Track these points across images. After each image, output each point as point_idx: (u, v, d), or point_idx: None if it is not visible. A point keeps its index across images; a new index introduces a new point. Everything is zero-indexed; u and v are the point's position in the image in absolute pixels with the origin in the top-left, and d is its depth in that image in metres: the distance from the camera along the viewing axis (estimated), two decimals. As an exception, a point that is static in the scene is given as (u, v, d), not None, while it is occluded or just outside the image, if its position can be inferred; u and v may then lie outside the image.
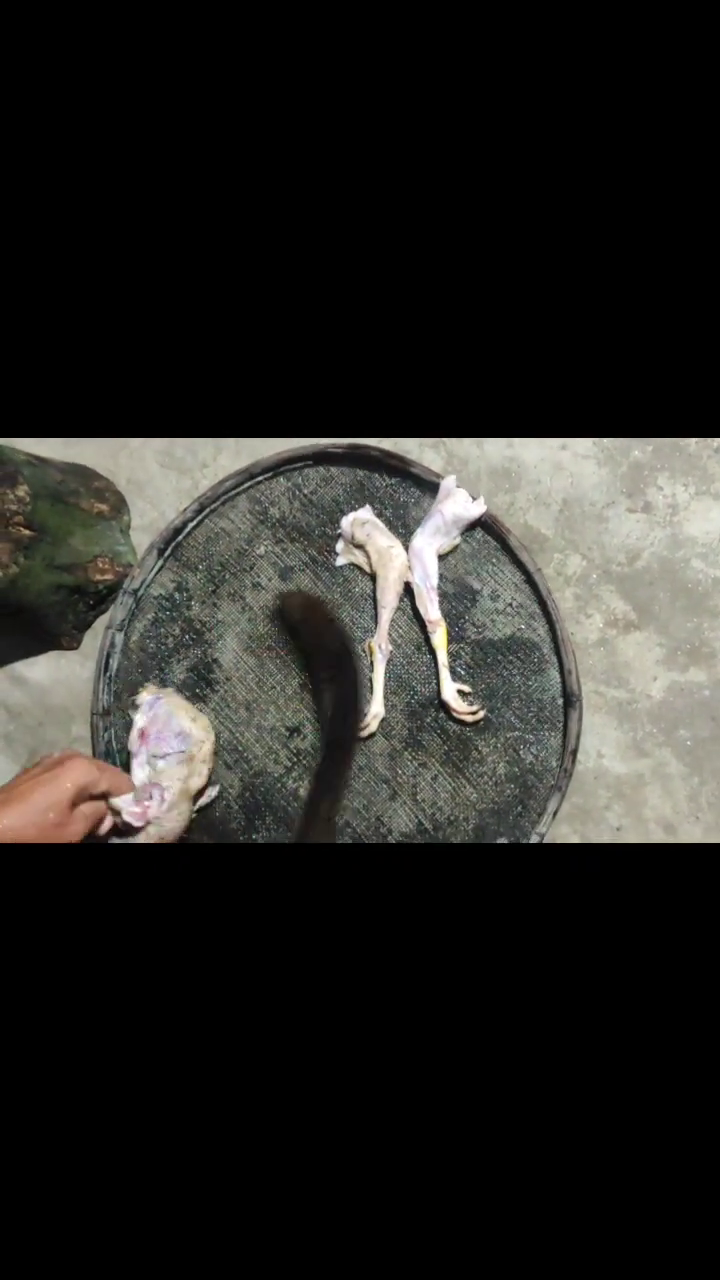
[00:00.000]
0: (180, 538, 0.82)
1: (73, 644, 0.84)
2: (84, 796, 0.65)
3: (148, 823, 0.71)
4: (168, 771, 0.73)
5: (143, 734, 0.75)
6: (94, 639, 0.84)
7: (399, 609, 0.80)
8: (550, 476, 0.82)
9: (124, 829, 0.71)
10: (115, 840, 0.71)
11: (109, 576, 0.80)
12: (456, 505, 0.77)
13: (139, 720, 0.75)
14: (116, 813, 0.70)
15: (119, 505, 0.83)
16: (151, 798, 0.72)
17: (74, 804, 0.64)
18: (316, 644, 0.78)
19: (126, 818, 0.69)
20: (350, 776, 0.76)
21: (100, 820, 0.68)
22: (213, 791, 0.78)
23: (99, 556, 0.79)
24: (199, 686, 0.81)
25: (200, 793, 0.76)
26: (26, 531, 0.71)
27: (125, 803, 0.70)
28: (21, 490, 0.70)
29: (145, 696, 0.77)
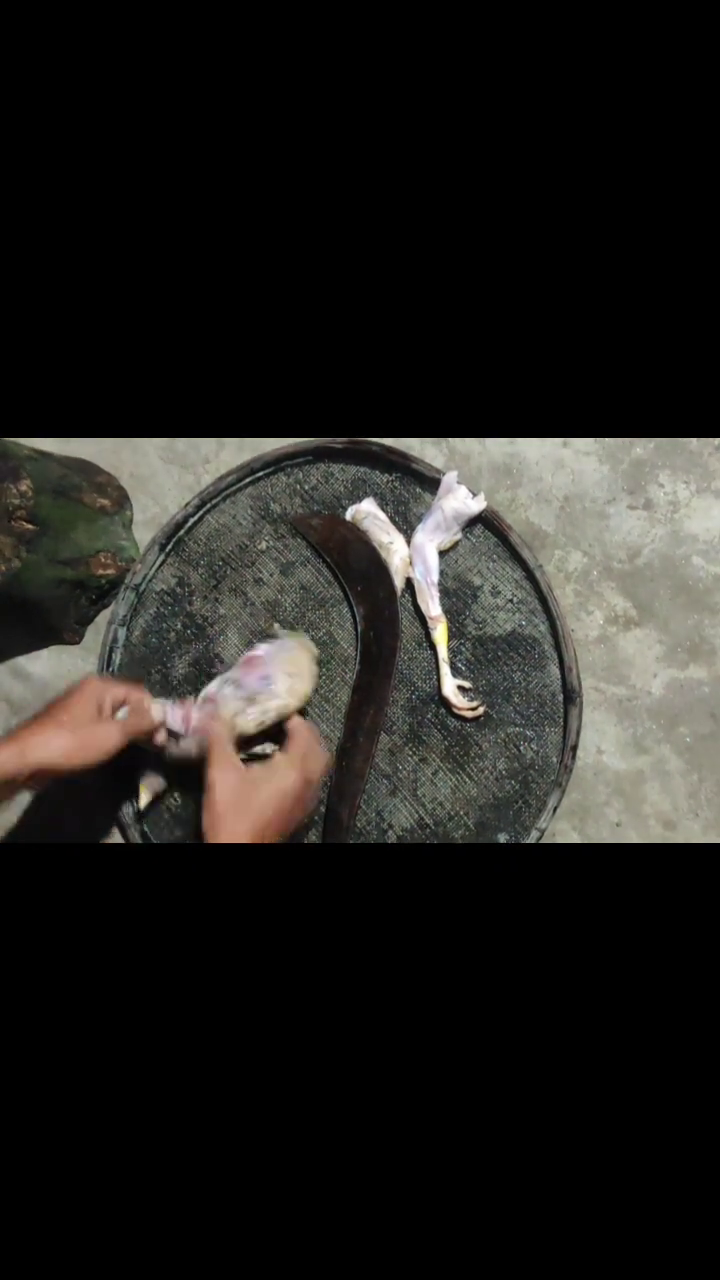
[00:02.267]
0: (182, 533, 0.82)
1: (75, 638, 0.84)
2: (108, 704, 0.67)
3: (187, 732, 0.71)
4: (228, 697, 0.73)
5: (249, 660, 0.75)
6: (96, 634, 0.85)
7: (400, 604, 0.80)
8: (552, 473, 0.82)
9: (166, 734, 0.71)
10: (162, 746, 0.71)
11: (111, 571, 0.80)
12: (457, 501, 0.77)
13: (260, 648, 0.76)
14: (158, 720, 0.70)
15: (121, 500, 0.84)
16: (201, 708, 0.72)
17: (100, 709, 0.66)
18: (345, 564, 0.79)
19: (169, 720, 0.70)
20: (392, 687, 0.78)
21: (134, 722, 0.68)
22: (267, 747, 0.76)
23: (101, 551, 0.79)
24: (201, 681, 0.81)
25: (252, 740, 0.75)
26: (29, 526, 0.71)
27: (169, 707, 0.71)
28: (24, 485, 0.70)
29: (288, 639, 0.77)
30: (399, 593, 0.79)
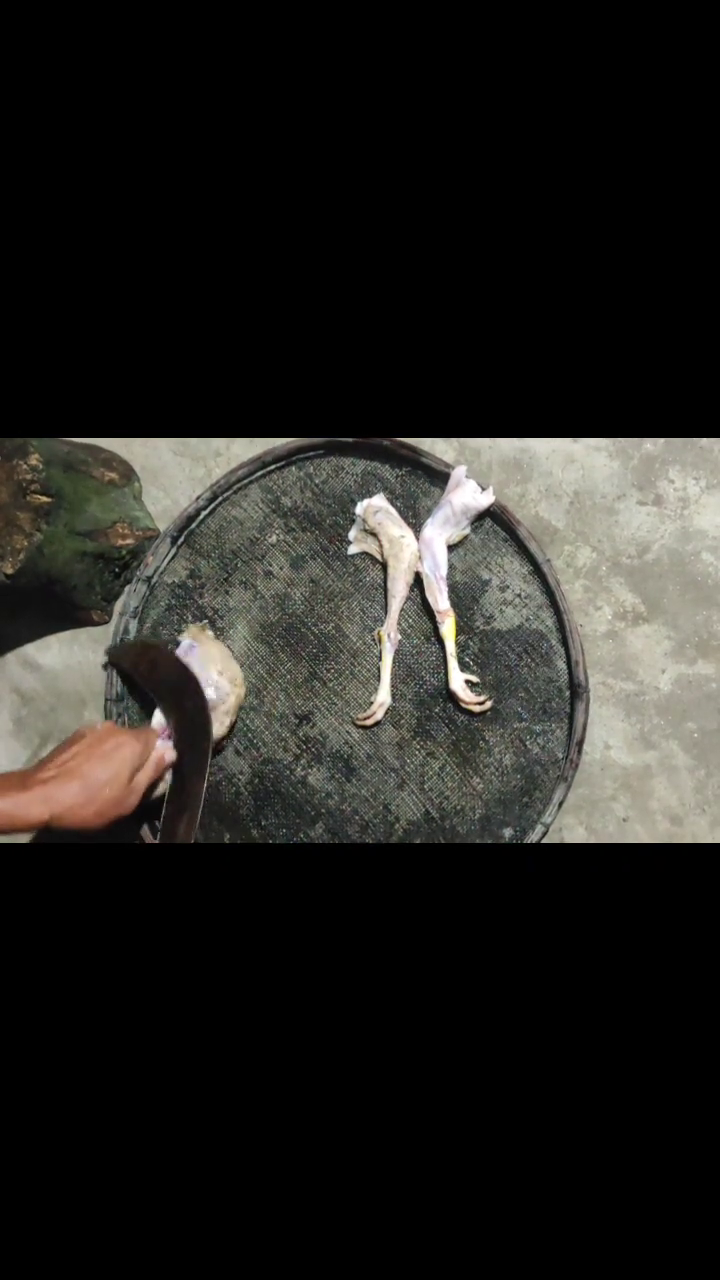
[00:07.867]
0: (193, 525, 0.83)
1: (104, 617, 0.85)
2: (135, 770, 0.67)
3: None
4: None
5: None
6: (106, 627, 0.85)
7: (408, 599, 0.80)
8: (561, 468, 0.82)
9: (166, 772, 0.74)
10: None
11: (130, 541, 0.81)
12: (466, 496, 0.77)
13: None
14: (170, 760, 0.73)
15: (128, 474, 0.84)
16: (165, 739, 0.74)
17: (130, 778, 0.66)
18: (155, 681, 0.78)
19: (167, 756, 0.72)
20: (203, 797, 0.72)
21: (153, 786, 0.70)
22: (227, 721, 0.78)
23: (118, 522, 0.80)
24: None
25: (223, 738, 0.79)
26: (44, 498, 0.71)
27: (163, 744, 0.73)
28: (34, 459, 0.71)
29: (185, 642, 0.79)
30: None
